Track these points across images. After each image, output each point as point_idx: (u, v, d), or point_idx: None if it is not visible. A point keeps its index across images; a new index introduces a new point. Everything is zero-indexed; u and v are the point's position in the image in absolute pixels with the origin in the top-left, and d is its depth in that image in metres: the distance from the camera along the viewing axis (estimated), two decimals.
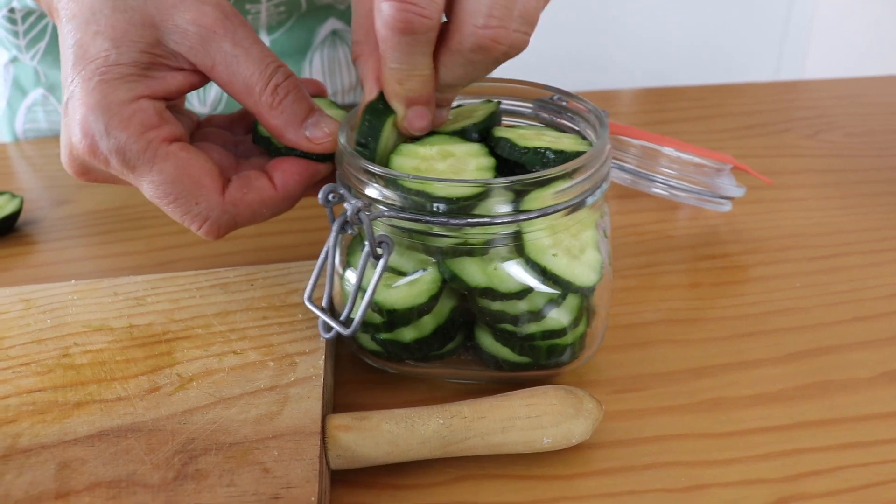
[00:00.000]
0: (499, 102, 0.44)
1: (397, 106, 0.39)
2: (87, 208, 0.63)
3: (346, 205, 0.36)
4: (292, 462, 0.35)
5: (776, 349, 0.45)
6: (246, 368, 0.40)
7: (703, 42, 2.18)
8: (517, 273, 0.37)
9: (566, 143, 0.40)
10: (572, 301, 0.39)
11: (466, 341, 0.41)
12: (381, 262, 0.36)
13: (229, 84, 0.40)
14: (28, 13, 0.69)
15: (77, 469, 0.35)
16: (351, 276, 0.39)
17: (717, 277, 0.51)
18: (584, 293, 0.39)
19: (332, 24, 0.76)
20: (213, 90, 0.76)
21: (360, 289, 0.37)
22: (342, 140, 0.39)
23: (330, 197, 0.37)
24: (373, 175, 0.36)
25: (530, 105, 0.45)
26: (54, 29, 0.70)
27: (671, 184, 0.54)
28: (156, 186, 0.39)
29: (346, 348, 0.45)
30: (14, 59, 0.73)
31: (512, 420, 0.36)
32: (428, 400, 0.41)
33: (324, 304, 0.40)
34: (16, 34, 0.70)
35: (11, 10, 0.69)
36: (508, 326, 0.39)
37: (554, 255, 0.37)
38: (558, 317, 0.39)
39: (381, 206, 0.36)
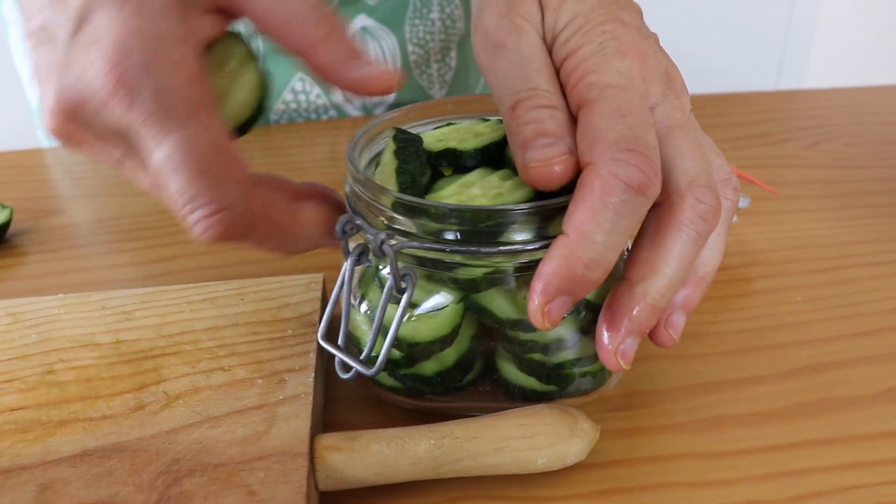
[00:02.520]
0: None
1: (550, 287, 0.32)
2: (79, 219, 0.62)
3: (367, 236, 0.34)
4: (279, 484, 0.34)
5: (777, 365, 0.44)
6: (234, 386, 0.39)
7: (704, 50, 2.18)
8: None
9: None
10: None
11: (485, 370, 0.40)
12: (406, 295, 0.34)
13: (268, 15, 0.34)
14: None
15: (58, 491, 0.34)
16: (361, 309, 0.38)
17: (718, 290, 0.50)
18: None
19: (361, 20, 0.75)
20: None
21: (382, 325, 0.35)
22: (352, 164, 0.37)
23: (347, 228, 0.35)
24: (407, 206, 0.34)
25: None
26: None
27: None
28: (184, 150, 0.31)
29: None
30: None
31: (505, 441, 0.35)
32: (421, 419, 0.40)
33: (339, 341, 0.37)
34: None
35: None
36: (538, 356, 0.37)
37: None
38: (589, 343, 0.38)
39: (403, 237, 0.34)
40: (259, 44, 0.73)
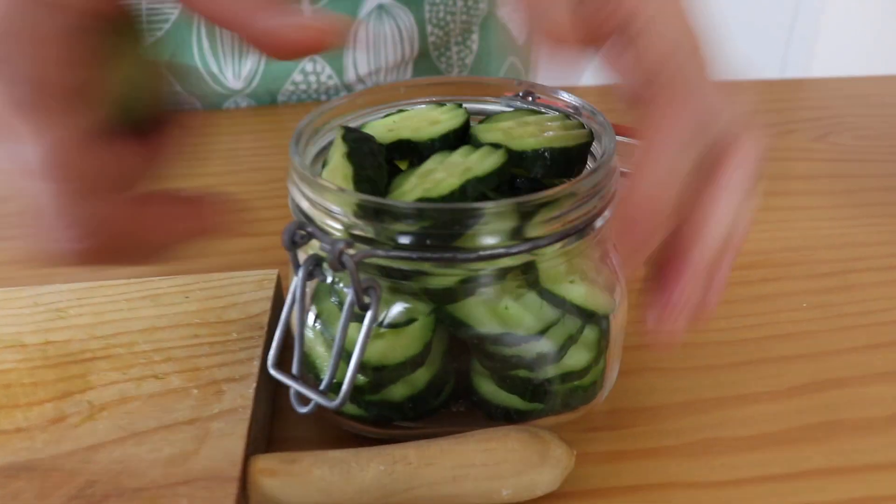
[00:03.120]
0: (506, 151, 0.34)
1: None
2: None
3: (322, 245, 0.29)
4: None
5: (778, 381, 0.40)
6: (166, 396, 0.35)
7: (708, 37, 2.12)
8: (532, 308, 0.32)
9: (560, 134, 0.35)
10: (591, 334, 0.34)
11: (458, 388, 0.35)
12: (370, 313, 0.29)
13: None
14: None
15: None
16: (316, 329, 0.33)
17: None
18: (604, 323, 0.34)
19: None
20: (248, 62, 0.70)
21: (343, 347, 0.30)
22: (299, 163, 0.32)
23: (297, 238, 0.30)
24: (372, 209, 0.29)
25: (497, 103, 0.39)
26: None
27: None
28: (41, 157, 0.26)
29: None
30: None
31: (465, 468, 0.31)
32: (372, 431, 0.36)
33: (294, 370, 0.31)
34: None
35: None
36: (522, 373, 0.33)
37: (571, 281, 0.32)
38: (578, 355, 0.33)
39: (364, 245, 0.30)
40: None
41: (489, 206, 0.29)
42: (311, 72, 0.72)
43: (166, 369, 0.36)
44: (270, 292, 0.41)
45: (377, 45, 0.72)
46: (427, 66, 0.75)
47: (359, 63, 0.72)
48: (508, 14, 0.79)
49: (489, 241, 0.29)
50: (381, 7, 0.71)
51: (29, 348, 0.38)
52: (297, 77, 0.72)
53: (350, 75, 0.73)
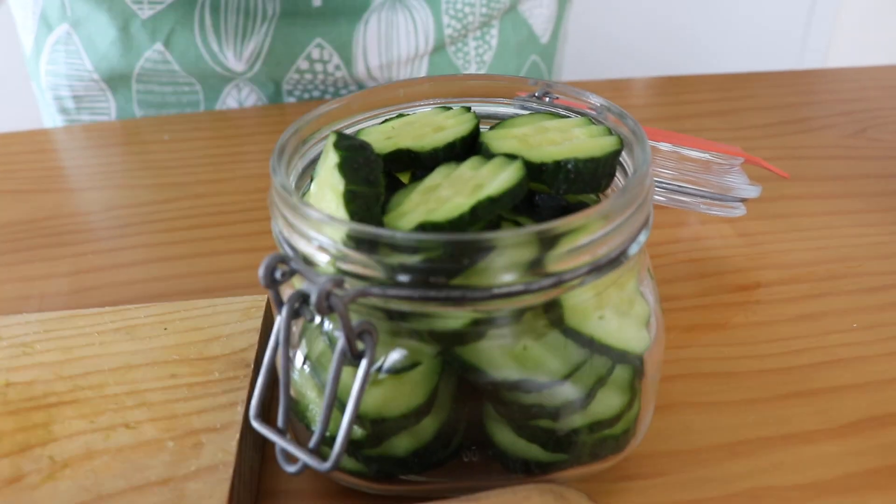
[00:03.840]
0: (523, 163, 0.29)
1: None
2: (5, 219, 0.54)
3: (304, 285, 0.25)
4: None
5: (830, 416, 0.35)
6: (137, 450, 0.31)
7: (722, 27, 2.08)
8: (556, 350, 0.27)
9: (584, 142, 0.30)
10: (623, 374, 0.29)
11: (470, 436, 0.30)
12: (365, 361, 0.25)
13: None
14: None
15: None
16: (305, 373, 0.29)
17: (751, 314, 0.41)
18: (638, 362, 0.29)
19: None
20: (251, 43, 0.66)
21: (335, 400, 0.25)
22: (279, 183, 0.28)
23: (277, 274, 0.26)
24: (364, 240, 0.25)
25: (510, 105, 0.35)
26: None
27: (669, 186, 0.44)
28: None
29: None
30: None
31: None
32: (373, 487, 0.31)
33: (280, 423, 0.27)
34: None
35: None
36: (544, 422, 0.28)
37: (601, 317, 0.27)
38: (608, 400, 0.29)
39: (357, 281, 0.25)
40: (277, 5, 0.64)
41: (504, 237, 0.24)
42: (317, 59, 0.67)
43: (139, 416, 0.32)
44: (258, 322, 0.37)
45: (389, 37, 0.67)
46: (443, 60, 0.70)
47: (369, 54, 0.68)
48: (531, 9, 0.74)
49: (505, 276, 0.24)
50: None
51: None
52: (303, 64, 0.67)
53: (360, 67, 0.68)
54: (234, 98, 0.70)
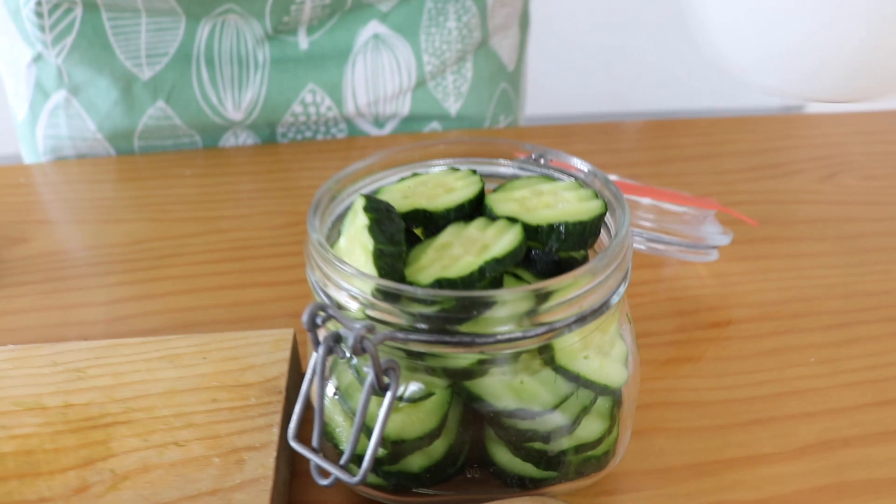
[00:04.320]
0: (522, 228, 0.34)
1: None
2: (44, 249, 0.59)
3: (342, 330, 0.30)
4: None
5: (786, 441, 0.40)
6: (188, 465, 0.36)
7: (706, 66, 2.13)
8: (547, 384, 0.32)
9: (575, 206, 0.35)
10: (603, 405, 0.34)
11: (473, 455, 0.36)
12: (390, 393, 0.30)
13: None
14: (55, 6, 0.66)
15: None
16: (335, 401, 0.34)
17: (721, 349, 0.47)
18: (617, 394, 0.35)
19: (373, 27, 0.72)
20: (248, 93, 0.72)
21: (363, 425, 0.31)
22: (317, 240, 0.33)
23: (318, 320, 0.31)
24: (391, 294, 0.30)
25: (510, 166, 0.40)
26: (82, 24, 0.67)
27: (649, 236, 0.49)
28: None
29: None
30: (38, 58, 0.70)
31: None
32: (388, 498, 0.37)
33: (314, 442, 0.32)
34: (42, 28, 0.67)
35: (38, 3, 0.66)
36: (537, 444, 0.34)
37: (586, 357, 0.33)
38: (592, 426, 0.34)
39: (384, 326, 0.31)
40: (266, 52, 0.69)
41: (505, 294, 0.29)
42: (310, 102, 0.73)
43: (187, 436, 0.37)
44: (287, 353, 0.42)
45: (375, 76, 0.73)
46: (424, 94, 0.76)
47: (358, 93, 0.74)
48: (499, 41, 0.80)
49: (506, 325, 0.30)
50: (377, 37, 0.72)
51: (49, 411, 0.39)
52: (297, 108, 0.73)
53: (349, 106, 0.74)
54: (231, 143, 0.75)
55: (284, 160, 0.71)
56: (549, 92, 1.76)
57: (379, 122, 0.77)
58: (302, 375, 0.44)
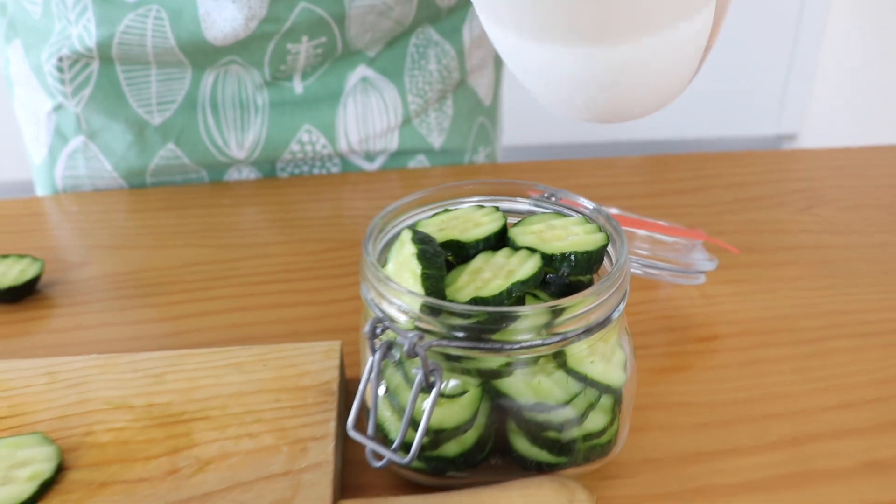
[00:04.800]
0: (540, 256, 0.42)
1: None
2: (105, 270, 0.66)
3: (399, 340, 0.38)
4: None
5: (762, 436, 0.47)
6: (261, 452, 0.43)
7: (703, 96, 2.21)
8: (560, 383, 0.39)
9: (583, 238, 0.43)
10: (606, 401, 0.41)
11: (496, 445, 0.42)
12: (434, 390, 0.37)
13: None
14: (75, 60, 0.73)
15: None
16: (386, 398, 0.41)
17: (710, 360, 0.54)
18: (617, 393, 0.42)
19: (361, 71, 0.79)
20: (250, 134, 0.80)
21: (412, 417, 0.38)
22: (373, 265, 0.40)
23: (377, 330, 0.38)
24: (436, 309, 0.38)
25: (526, 203, 0.47)
26: (99, 76, 0.74)
27: (644, 262, 0.57)
28: None
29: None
30: (58, 107, 0.77)
31: None
32: (428, 485, 0.44)
33: (369, 432, 0.40)
34: (62, 81, 0.74)
35: (60, 59, 0.73)
36: (551, 434, 0.41)
37: (592, 362, 0.40)
38: (597, 419, 0.41)
39: (430, 335, 0.38)
40: (265, 96, 0.77)
41: (528, 311, 0.37)
42: (307, 142, 0.81)
43: (258, 429, 0.44)
44: (336, 361, 0.49)
45: (365, 116, 0.82)
46: (410, 131, 0.84)
47: (350, 132, 0.82)
48: (477, 80, 0.88)
49: (527, 335, 0.37)
50: (365, 80, 0.80)
51: (136, 409, 0.46)
52: (295, 147, 0.81)
53: (342, 144, 0.82)
54: (235, 178, 0.83)
55: (288, 193, 0.79)
56: (525, 123, 1.86)
57: (370, 156, 0.85)
58: (347, 380, 0.51)
